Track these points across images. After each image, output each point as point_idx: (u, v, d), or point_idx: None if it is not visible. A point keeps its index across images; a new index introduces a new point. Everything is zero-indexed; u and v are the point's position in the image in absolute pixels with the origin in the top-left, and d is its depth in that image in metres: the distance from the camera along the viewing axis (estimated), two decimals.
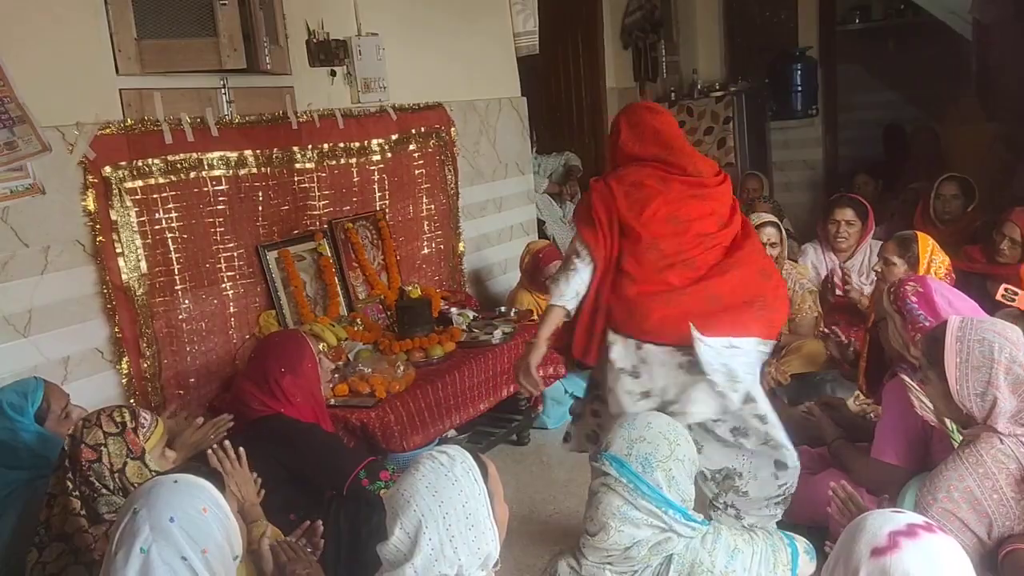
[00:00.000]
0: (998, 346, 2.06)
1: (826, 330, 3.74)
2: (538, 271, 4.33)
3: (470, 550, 1.57)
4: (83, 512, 1.94)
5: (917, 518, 1.33)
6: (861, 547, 1.29)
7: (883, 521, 1.32)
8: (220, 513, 1.55)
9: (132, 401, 3.01)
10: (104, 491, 1.95)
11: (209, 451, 2.19)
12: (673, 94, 6.93)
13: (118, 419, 2.01)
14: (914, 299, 2.73)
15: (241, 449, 2.23)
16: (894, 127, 7.14)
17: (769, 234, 3.89)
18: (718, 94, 6.82)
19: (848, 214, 4.40)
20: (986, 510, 2.02)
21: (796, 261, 4.50)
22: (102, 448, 1.96)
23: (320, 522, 2.17)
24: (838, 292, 4.36)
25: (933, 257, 3.28)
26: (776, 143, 7.39)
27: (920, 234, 3.39)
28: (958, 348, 2.10)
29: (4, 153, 2.59)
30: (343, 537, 2.35)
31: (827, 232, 4.48)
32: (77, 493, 1.95)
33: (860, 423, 3.06)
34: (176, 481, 1.56)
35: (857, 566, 1.28)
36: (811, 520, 2.83)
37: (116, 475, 1.95)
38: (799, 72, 6.95)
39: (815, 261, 4.55)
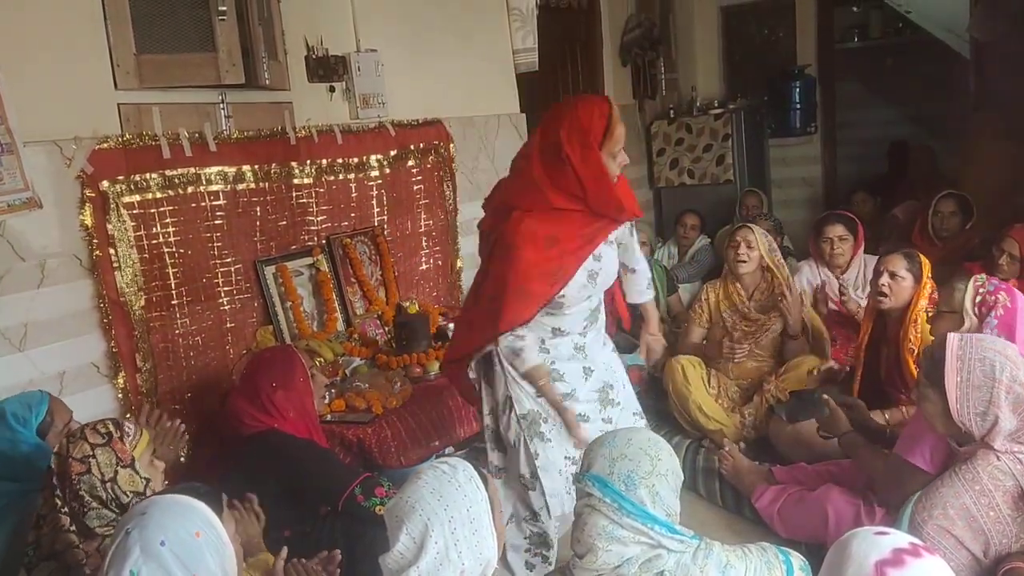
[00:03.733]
0: (999, 365, 2.05)
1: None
2: None
3: (473, 555, 1.58)
4: (73, 528, 1.93)
5: (901, 540, 1.31)
6: None
7: (868, 548, 1.29)
8: (214, 537, 1.53)
9: (128, 416, 3.00)
10: (95, 504, 1.94)
11: (286, 566, 2.09)
12: (672, 111, 6.96)
13: (103, 431, 2.00)
14: (999, 313, 2.73)
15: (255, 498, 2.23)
16: (898, 143, 7.15)
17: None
18: (717, 111, 6.83)
19: (839, 230, 4.43)
20: (983, 527, 2.01)
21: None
22: (91, 460, 1.94)
23: (338, 552, 2.16)
24: (831, 306, 4.38)
25: (928, 275, 3.29)
26: (775, 160, 7.40)
27: (918, 252, 3.41)
28: (959, 367, 2.09)
29: None
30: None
31: (820, 250, 4.50)
32: (67, 509, 1.94)
33: (874, 427, 3.03)
34: (171, 503, 1.54)
35: None
36: (809, 537, 2.82)
37: (107, 485, 1.94)
38: (798, 90, 6.96)
39: (811, 278, 4.56)
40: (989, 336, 2.30)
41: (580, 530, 1.76)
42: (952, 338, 2.16)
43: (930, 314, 3.23)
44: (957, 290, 3.02)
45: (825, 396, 2.94)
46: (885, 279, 3.28)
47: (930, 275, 3.32)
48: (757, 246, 3.88)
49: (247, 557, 2.12)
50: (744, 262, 3.86)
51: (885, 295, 3.27)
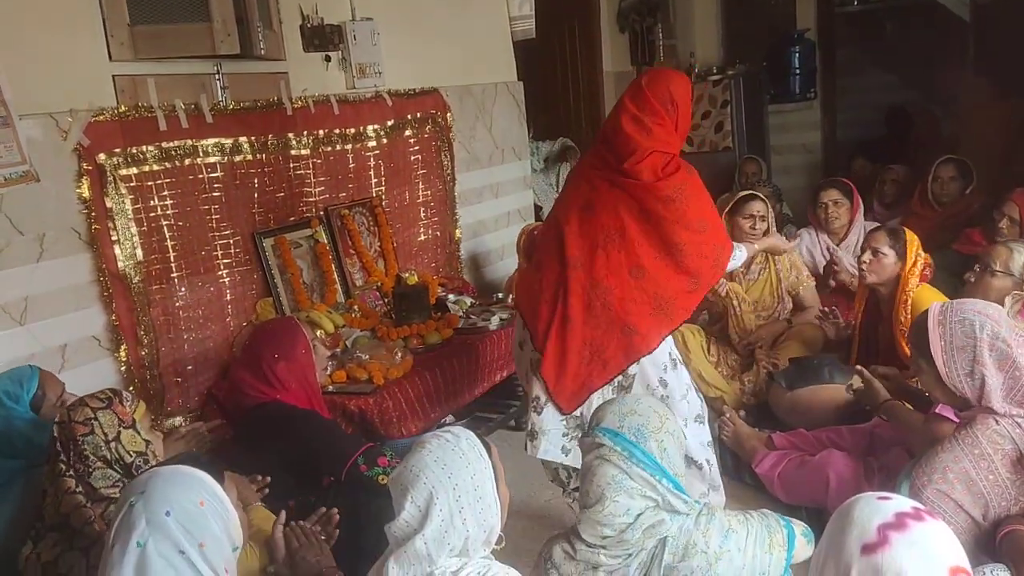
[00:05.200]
0: (979, 324, 2.08)
1: (824, 309, 3.75)
2: (536, 248, 4.31)
3: (477, 522, 1.60)
4: (79, 489, 1.97)
5: (904, 504, 1.32)
6: (851, 543, 1.28)
7: (871, 512, 1.30)
8: (217, 504, 1.55)
9: (131, 389, 3.01)
10: (99, 464, 1.98)
11: (284, 529, 2.09)
12: None
13: (102, 396, 2.06)
14: None
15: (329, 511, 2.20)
16: (897, 108, 7.12)
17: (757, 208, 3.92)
18: (715, 78, 6.78)
19: (833, 194, 4.48)
20: (982, 491, 2.03)
21: None
22: (93, 422, 2.00)
23: (336, 510, 2.17)
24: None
25: (918, 252, 3.30)
26: (774, 127, 7.36)
27: (906, 229, 3.42)
28: (941, 332, 2.12)
29: None
30: (341, 523, 2.35)
31: (818, 218, 4.52)
32: (71, 472, 1.98)
33: (915, 392, 3.02)
34: (173, 473, 1.55)
35: (849, 564, 1.27)
36: (810, 501, 2.85)
37: (111, 444, 1.99)
38: (797, 55, 6.90)
39: (810, 245, 4.59)
40: (971, 300, 2.32)
41: (589, 481, 1.80)
42: (934, 306, 2.21)
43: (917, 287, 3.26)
44: (1017, 253, 3.03)
45: (860, 367, 2.95)
46: (867, 255, 3.36)
47: (919, 251, 3.32)
48: (768, 218, 3.92)
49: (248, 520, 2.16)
50: (756, 235, 3.89)
51: (866, 271, 3.36)
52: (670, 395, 2.69)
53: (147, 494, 1.49)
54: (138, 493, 1.50)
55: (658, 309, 2.63)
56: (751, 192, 4.06)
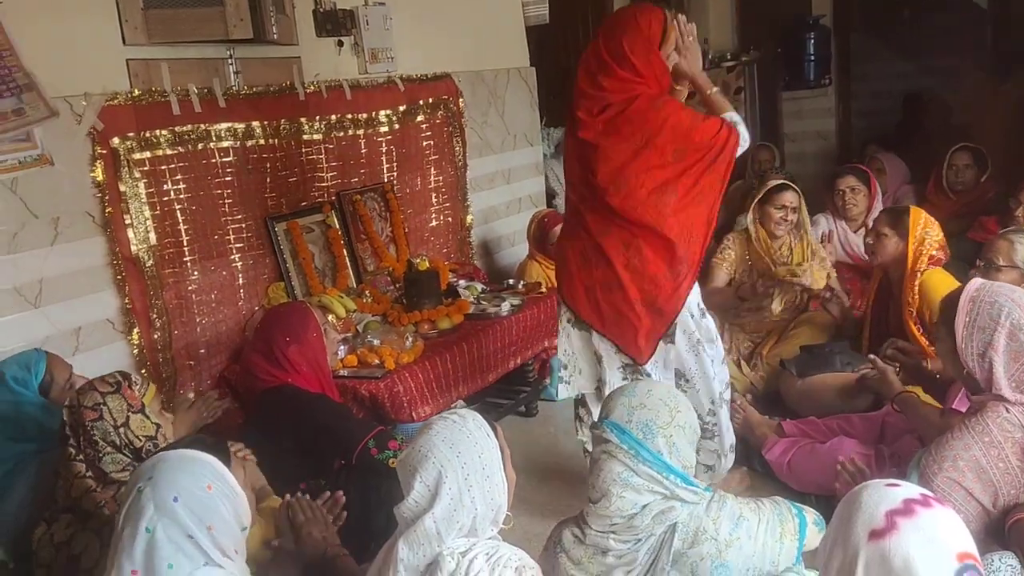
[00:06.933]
0: (1007, 310, 2.06)
1: (827, 294, 3.75)
2: (545, 236, 4.31)
3: (484, 500, 1.61)
4: (89, 474, 1.98)
5: (912, 491, 1.32)
6: (858, 529, 1.28)
7: (879, 498, 1.30)
8: (225, 487, 1.57)
9: (144, 372, 3.03)
10: (109, 449, 2.00)
11: (287, 499, 2.13)
12: None
13: (111, 380, 2.08)
14: None
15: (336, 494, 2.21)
16: (913, 95, 7.05)
17: (790, 199, 3.89)
18: (729, 64, 6.74)
19: (851, 181, 4.46)
20: (992, 479, 2.02)
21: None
22: (102, 407, 2.01)
23: (341, 493, 2.19)
24: (847, 259, 4.39)
25: (927, 230, 3.28)
26: (788, 113, 7.30)
27: (913, 208, 3.42)
28: (969, 308, 2.12)
29: (12, 119, 2.59)
30: (351, 506, 2.36)
31: (835, 205, 4.51)
32: (81, 457, 1.99)
33: (928, 375, 3.01)
34: (180, 458, 1.57)
35: (856, 549, 1.27)
36: (819, 489, 2.84)
37: (120, 430, 2.01)
38: (812, 41, 6.83)
39: (824, 229, 4.56)
40: (1009, 285, 2.30)
41: (596, 476, 1.79)
42: (973, 281, 2.20)
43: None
44: (1018, 244, 3.01)
45: (872, 356, 2.93)
46: (870, 237, 3.41)
47: (927, 229, 3.28)
48: (800, 209, 3.90)
49: (256, 503, 2.18)
50: (787, 226, 3.87)
51: (871, 253, 3.41)
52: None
53: (154, 480, 1.50)
54: (146, 479, 1.51)
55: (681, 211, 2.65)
56: (783, 182, 3.99)
